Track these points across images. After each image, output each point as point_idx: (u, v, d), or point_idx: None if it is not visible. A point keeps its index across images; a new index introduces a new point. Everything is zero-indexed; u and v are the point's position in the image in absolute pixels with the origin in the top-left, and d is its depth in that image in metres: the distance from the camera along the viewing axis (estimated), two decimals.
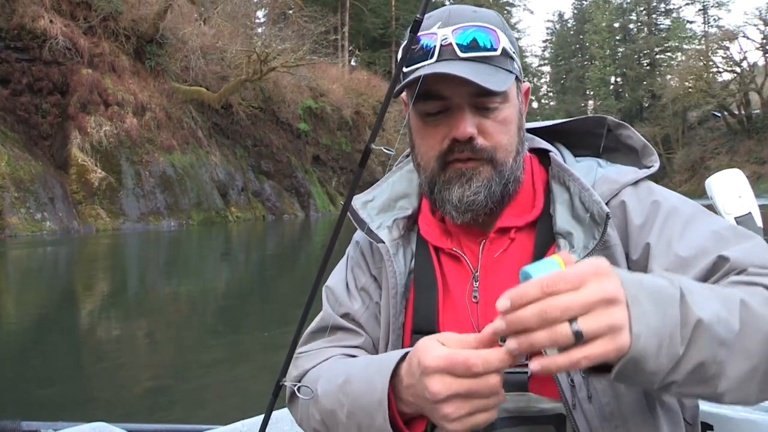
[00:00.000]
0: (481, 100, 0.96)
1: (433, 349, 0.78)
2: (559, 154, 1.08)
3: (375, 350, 1.11)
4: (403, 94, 1.05)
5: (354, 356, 1.08)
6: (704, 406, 1.09)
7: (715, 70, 50.65)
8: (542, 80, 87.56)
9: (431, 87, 0.94)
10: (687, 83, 50.63)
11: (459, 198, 0.99)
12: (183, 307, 9.30)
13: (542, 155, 1.10)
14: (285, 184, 29.98)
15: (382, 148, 0.89)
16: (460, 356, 0.75)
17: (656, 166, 1.05)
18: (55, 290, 10.91)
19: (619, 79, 70.00)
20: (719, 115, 50.36)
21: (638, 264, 0.95)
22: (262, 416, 1.21)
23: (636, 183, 1.02)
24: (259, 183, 28.56)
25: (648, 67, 66.51)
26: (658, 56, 66.50)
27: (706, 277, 0.88)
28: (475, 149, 0.97)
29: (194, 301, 9.73)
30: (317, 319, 1.16)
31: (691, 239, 0.93)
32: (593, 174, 1.04)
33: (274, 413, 2.29)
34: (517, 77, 1.01)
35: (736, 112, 49.17)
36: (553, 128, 1.14)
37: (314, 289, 1.00)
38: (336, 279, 1.19)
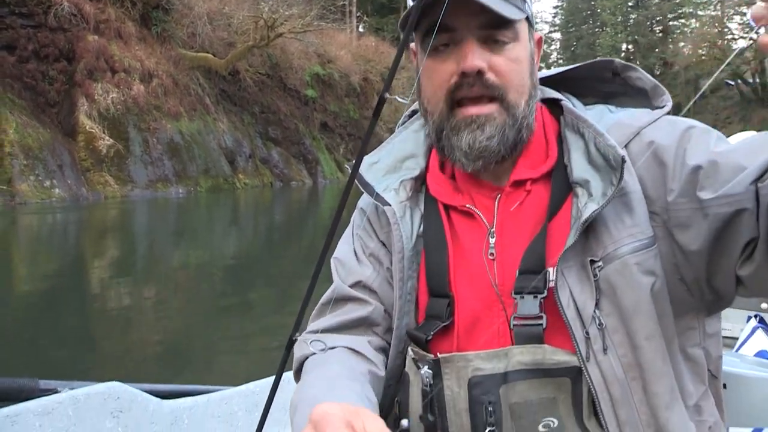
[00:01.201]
0: (491, 32, 0.93)
1: None
2: (570, 102, 1.05)
3: (388, 316, 1.10)
4: (413, 45, 1.02)
5: (357, 350, 1.05)
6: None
7: (729, 36, 49.79)
8: (552, 47, 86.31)
9: (441, 21, 0.90)
10: (700, 50, 49.85)
11: (469, 144, 0.96)
12: (192, 273, 9.35)
13: (552, 105, 1.07)
14: (293, 151, 29.87)
15: (396, 96, 0.88)
16: None
17: (669, 105, 1.01)
18: (67, 256, 10.99)
19: (630, 47, 68.86)
20: (732, 83, 49.63)
21: (684, 196, 0.90)
22: (273, 377, 1.22)
23: (656, 121, 0.98)
24: (266, 150, 28.46)
25: (660, 34, 65.35)
26: (671, 23, 65.26)
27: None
28: (486, 84, 0.94)
29: (203, 266, 9.78)
30: (329, 290, 1.14)
31: (738, 144, 0.90)
32: (605, 120, 1.01)
33: (288, 374, 2.32)
34: (529, 21, 0.98)
35: (751, 81, 48.43)
36: (559, 77, 1.11)
37: (325, 249, 0.99)
38: (343, 249, 1.17)
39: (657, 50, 63.79)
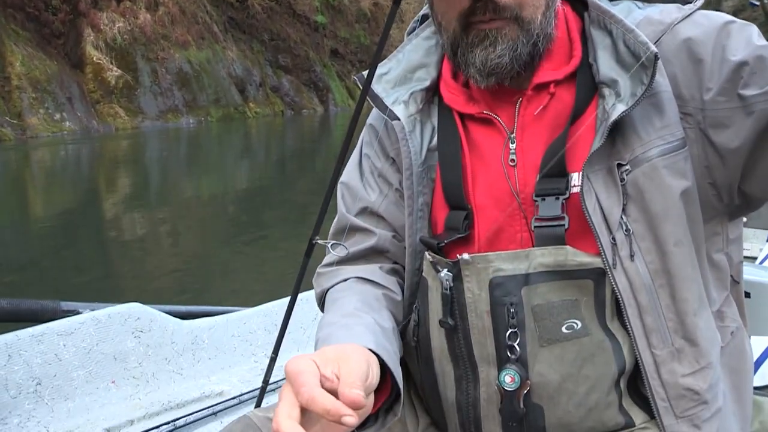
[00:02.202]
0: None
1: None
2: None
3: (397, 241, 1.08)
4: None
5: (368, 279, 1.06)
6: (744, 274, 1.07)
7: None
8: None
9: None
10: None
11: (482, 61, 0.92)
12: (207, 200, 9.42)
13: (575, 2, 1.00)
14: (303, 79, 29.45)
15: None
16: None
17: (701, 1, 0.95)
18: (81, 188, 11.07)
19: None
20: (757, 3, 47.89)
21: (723, 94, 0.86)
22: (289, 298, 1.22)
23: (690, 16, 0.92)
24: (276, 78, 28.08)
25: None
26: None
27: None
28: (497, 8, 0.89)
29: (217, 194, 9.83)
30: (335, 221, 1.13)
31: None
32: (633, 15, 0.95)
33: (305, 294, 2.34)
34: None
35: None
36: None
37: (340, 159, 0.96)
38: (350, 171, 1.14)
39: None
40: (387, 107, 1.03)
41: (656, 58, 0.84)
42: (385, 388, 0.84)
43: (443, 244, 0.97)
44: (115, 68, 20.90)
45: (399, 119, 1.01)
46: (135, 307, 2.17)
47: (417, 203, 1.01)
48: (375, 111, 1.09)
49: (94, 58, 20.72)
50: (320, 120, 26.32)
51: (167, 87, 22.09)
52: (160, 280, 5.30)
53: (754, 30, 0.89)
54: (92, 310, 2.13)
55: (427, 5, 1.01)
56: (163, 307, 2.32)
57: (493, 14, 0.89)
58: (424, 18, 1.11)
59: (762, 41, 0.87)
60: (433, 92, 1.05)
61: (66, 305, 2.15)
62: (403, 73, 1.06)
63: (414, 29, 1.12)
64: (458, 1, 0.90)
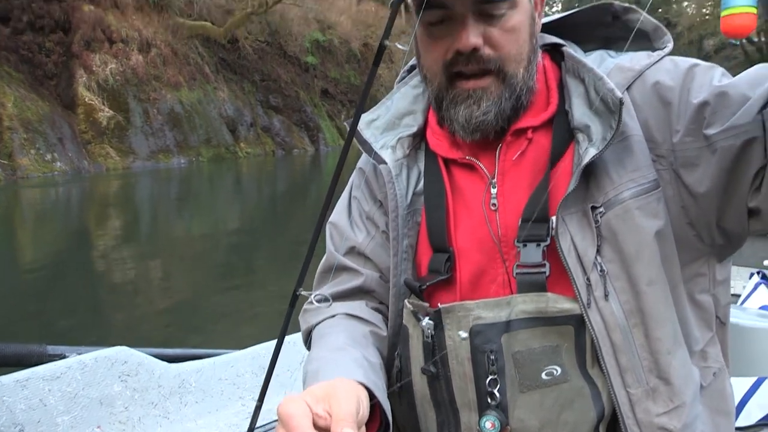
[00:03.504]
0: (486, 7, 0.90)
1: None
2: (571, 48, 1.03)
3: (383, 282, 1.10)
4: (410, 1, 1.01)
5: (355, 315, 1.08)
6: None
7: None
8: (554, 9, 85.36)
9: None
10: (704, 10, 49.13)
11: (466, 119, 0.95)
12: (197, 241, 9.39)
13: (553, 52, 1.05)
14: (294, 119, 29.66)
15: (397, 44, 0.86)
16: None
17: (670, 46, 0.99)
18: (71, 228, 11.03)
19: (633, 6, 68.01)
20: (737, 42, 48.97)
21: (690, 135, 0.89)
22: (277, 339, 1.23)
23: (658, 63, 0.96)
24: (267, 118, 28.28)
25: None
26: None
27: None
28: (481, 61, 0.92)
29: (207, 234, 9.82)
30: (323, 260, 1.15)
31: (743, 78, 0.89)
32: (605, 64, 0.99)
33: (292, 336, 2.34)
34: None
35: (756, 40, 47.77)
36: (558, 23, 1.08)
37: (323, 212, 0.99)
38: (339, 212, 1.16)
39: (660, 10, 62.80)
40: (374, 151, 1.06)
41: (621, 103, 0.88)
42: (375, 420, 0.86)
43: (425, 287, 0.99)
44: (106, 109, 21.00)
45: (386, 163, 1.04)
46: (122, 350, 2.16)
47: (402, 245, 1.03)
48: (364, 155, 1.12)
49: (86, 99, 20.83)
50: (311, 160, 26.45)
51: (158, 127, 22.19)
52: (149, 322, 5.26)
53: (717, 71, 0.93)
54: (79, 353, 2.12)
55: (415, 57, 1.05)
56: (150, 351, 2.31)
57: (477, 66, 0.93)
58: (413, 67, 1.15)
59: (725, 80, 0.90)
60: (420, 138, 1.09)
61: (52, 349, 2.14)
62: (391, 120, 1.10)
63: (403, 78, 1.16)
64: (442, 54, 0.94)
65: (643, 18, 1.01)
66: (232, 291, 6.10)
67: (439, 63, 0.95)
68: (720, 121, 0.87)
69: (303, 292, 1.01)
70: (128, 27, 22.86)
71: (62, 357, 2.10)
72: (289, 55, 30.67)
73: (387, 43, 0.83)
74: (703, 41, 54.03)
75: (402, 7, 0.92)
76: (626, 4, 1.02)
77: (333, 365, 0.91)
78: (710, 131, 0.87)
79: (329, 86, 33.42)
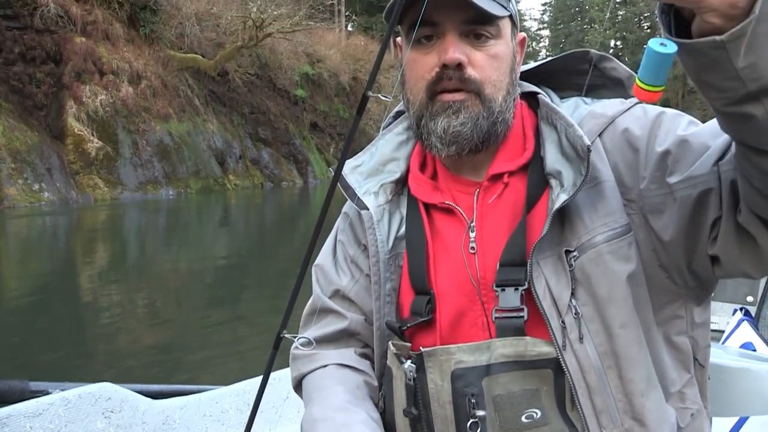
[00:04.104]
0: (473, 27, 0.95)
1: None
2: (547, 96, 1.07)
3: (368, 324, 1.12)
4: (399, 39, 1.05)
5: (347, 365, 1.11)
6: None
7: None
8: (541, 44, 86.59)
9: (425, 15, 0.92)
10: None
11: (444, 129, 0.98)
12: (183, 274, 9.34)
13: (531, 100, 1.09)
14: (283, 152, 29.78)
15: (379, 95, 0.89)
16: None
17: None
18: (57, 260, 10.93)
19: (619, 43, 69.22)
20: None
21: (655, 182, 0.93)
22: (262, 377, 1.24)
23: (629, 110, 1.00)
24: (256, 150, 28.37)
25: (648, 30, 65.66)
26: (658, 19, 65.54)
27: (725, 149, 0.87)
28: (463, 78, 0.96)
29: (194, 268, 9.76)
30: (309, 301, 1.18)
31: (707, 127, 0.92)
32: (579, 111, 1.03)
33: (277, 373, 2.34)
34: (513, 20, 1.00)
35: None
36: (537, 70, 1.12)
37: (308, 253, 1.00)
38: (325, 255, 1.19)
39: (645, 46, 63.78)
40: (358, 197, 1.09)
41: (589, 150, 0.91)
42: None
43: (406, 328, 1.01)
44: (96, 140, 21.01)
45: (368, 209, 1.07)
46: (106, 386, 2.14)
47: (384, 289, 1.05)
48: (349, 202, 1.15)
49: (76, 130, 20.83)
50: (299, 192, 26.49)
51: (147, 158, 22.19)
52: (134, 356, 5.20)
53: (683, 119, 0.96)
54: (62, 390, 2.10)
55: (402, 94, 1.09)
56: (134, 386, 2.29)
57: (459, 83, 0.96)
58: (398, 114, 1.18)
59: (689, 129, 0.93)
60: (402, 184, 1.12)
61: (35, 385, 2.11)
62: (375, 166, 1.13)
63: (389, 124, 1.19)
64: (429, 70, 0.97)
65: (618, 66, 1.05)
66: (218, 326, 6.06)
67: (424, 79, 0.99)
68: (680, 170, 0.90)
69: (287, 335, 1.02)
70: (119, 59, 22.99)
71: (45, 393, 2.07)
72: (278, 88, 30.90)
73: (370, 93, 0.86)
74: (687, 76, 54.67)
75: (391, 43, 0.96)
76: (601, 53, 1.06)
77: (345, 430, 0.95)
78: (672, 180, 0.90)
79: (318, 119, 33.64)
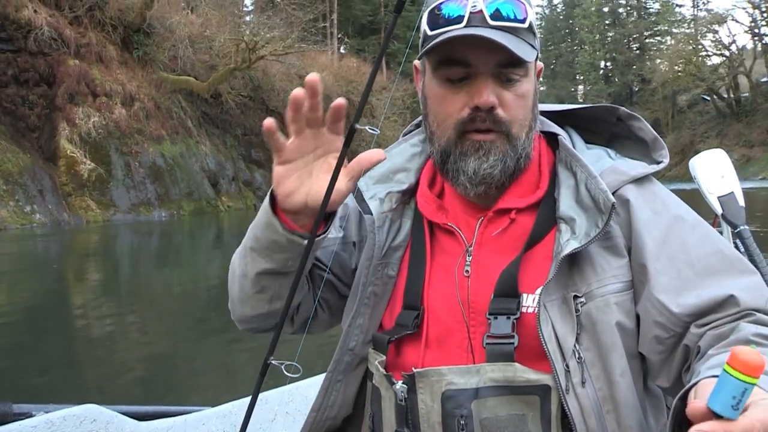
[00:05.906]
0: (506, 70, 0.96)
1: None
2: (569, 138, 1.08)
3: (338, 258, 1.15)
4: (417, 62, 1.06)
5: None
6: None
7: (704, 53, 50.69)
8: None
9: (456, 53, 0.95)
10: (676, 67, 50.65)
11: (474, 170, 0.99)
12: (174, 297, 9.30)
13: (550, 138, 1.10)
14: None
15: (366, 127, 0.91)
16: None
17: (666, 161, 1.06)
18: (48, 282, 10.86)
19: (608, 64, 69.96)
20: (708, 98, 50.41)
21: (635, 262, 0.98)
22: (250, 398, 1.23)
23: (641, 181, 1.03)
24: (249, 172, 28.42)
25: (638, 52, 66.43)
26: (647, 40, 66.44)
27: (710, 307, 0.91)
28: (495, 120, 0.97)
29: (186, 290, 9.72)
30: None
31: (698, 255, 0.96)
32: (602, 163, 1.05)
33: (264, 394, 2.32)
34: (536, 56, 1.01)
35: (726, 96, 49.22)
36: (564, 112, 1.14)
37: (295, 282, 1.01)
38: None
39: (634, 67, 64.67)
40: (364, 201, 1.10)
41: (613, 206, 0.94)
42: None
43: (393, 339, 1.03)
44: (88, 161, 21.00)
45: (371, 214, 1.08)
46: (91, 408, 2.12)
47: (366, 291, 1.07)
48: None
49: (68, 152, 20.83)
50: None
51: (140, 180, 22.19)
52: (122, 377, 5.17)
53: (685, 225, 0.99)
54: (46, 412, 2.08)
55: (422, 115, 1.10)
56: (120, 408, 2.26)
57: (491, 125, 0.98)
58: (420, 123, 1.19)
59: (685, 255, 0.97)
60: (409, 195, 1.13)
61: (18, 407, 2.09)
62: (385, 173, 1.14)
63: (410, 131, 1.21)
64: (459, 109, 0.98)
65: (644, 127, 1.09)
66: (207, 348, 6.04)
67: (453, 118, 0.99)
68: (639, 291, 0.98)
69: (274, 362, 1.02)
70: (112, 81, 23.07)
71: (29, 416, 2.05)
72: (271, 110, 31.00)
73: (357, 126, 0.87)
74: (676, 96, 55.47)
75: (383, 63, 0.97)
76: (630, 112, 1.10)
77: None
78: (646, 291, 0.97)
79: None
